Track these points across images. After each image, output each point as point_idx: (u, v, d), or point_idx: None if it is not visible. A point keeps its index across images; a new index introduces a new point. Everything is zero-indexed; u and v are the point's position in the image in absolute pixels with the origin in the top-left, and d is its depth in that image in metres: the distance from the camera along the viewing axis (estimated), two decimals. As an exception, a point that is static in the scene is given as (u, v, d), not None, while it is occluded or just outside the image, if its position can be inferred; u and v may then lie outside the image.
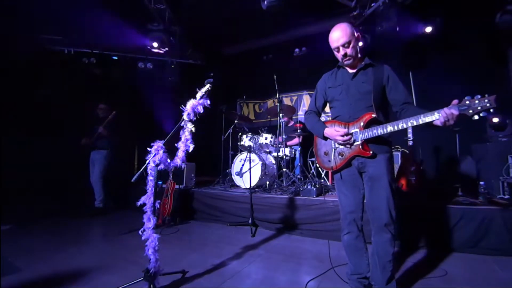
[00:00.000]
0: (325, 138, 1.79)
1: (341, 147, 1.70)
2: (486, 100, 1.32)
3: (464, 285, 1.87)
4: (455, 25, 4.19)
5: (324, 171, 4.33)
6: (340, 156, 1.71)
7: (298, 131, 4.64)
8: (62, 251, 2.63)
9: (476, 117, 1.35)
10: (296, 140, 4.92)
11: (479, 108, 1.33)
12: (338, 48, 1.66)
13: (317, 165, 4.41)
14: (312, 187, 3.24)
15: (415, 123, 1.45)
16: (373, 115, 1.59)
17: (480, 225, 2.41)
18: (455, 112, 1.35)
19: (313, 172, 4.31)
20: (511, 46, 3.87)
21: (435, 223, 2.56)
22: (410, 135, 3.23)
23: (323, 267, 2.14)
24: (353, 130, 1.65)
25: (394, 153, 3.61)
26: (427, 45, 4.46)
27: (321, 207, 3.01)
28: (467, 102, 1.36)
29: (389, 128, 1.53)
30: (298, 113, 5.82)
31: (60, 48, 5.42)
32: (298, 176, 4.28)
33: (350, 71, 1.75)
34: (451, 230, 2.49)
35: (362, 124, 1.61)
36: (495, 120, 3.29)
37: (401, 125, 1.50)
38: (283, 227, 3.19)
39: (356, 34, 1.65)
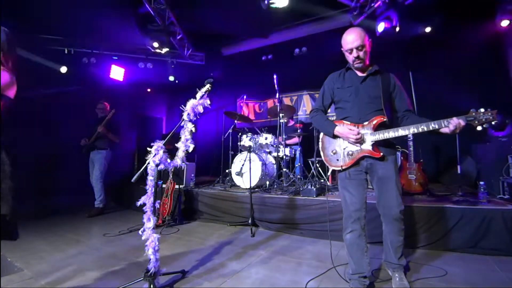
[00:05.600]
0: (334, 137, 1.82)
1: (350, 147, 1.76)
2: (489, 114, 1.49)
3: (464, 285, 1.87)
4: (455, 25, 4.19)
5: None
6: (349, 156, 1.76)
7: (298, 131, 4.64)
8: (62, 251, 2.63)
9: (479, 128, 1.51)
10: (295, 139, 4.92)
11: (483, 120, 1.50)
12: (351, 49, 1.72)
13: (321, 164, 4.41)
14: (312, 187, 3.24)
15: (425, 129, 1.58)
16: (384, 119, 1.70)
17: (480, 225, 2.40)
18: (463, 122, 1.51)
19: (313, 172, 4.31)
20: (511, 46, 3.87)
21: (435, 223, 2.55)
22: (410, 135, 3.23)
23: (323, 267, 2.14)
24: (363, 131, 1.72)
25: (394, 153, 3.60)
26: (427, 45, 4.46)
27: (321, 207, 3.01)
28: (473, 114, 1.52)
29: (401, 132, 1.64)
30: (298, 113, 5.83)
31: (60, 48, 5.43)
32: (298, 176, 4.28)
33: (359, 74, 1.81)
34: (451, 230, 2.48)
35: (373, 126, 1.71)
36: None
37: (412, 129, 1.61)
38: (283, 227, 3.19)
39: (369, 40, 1.73)
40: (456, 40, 4.22)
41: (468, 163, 3.68)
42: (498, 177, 2.96)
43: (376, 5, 4.21)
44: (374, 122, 1.71)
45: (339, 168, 1.79)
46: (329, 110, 2.00)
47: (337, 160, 1.80)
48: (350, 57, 1.76)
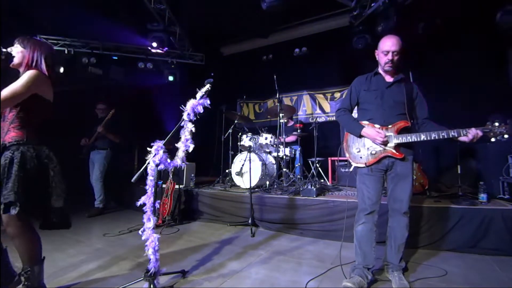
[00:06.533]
0: (360, 137, 1.92)
1: (374, 146, 1.87)
2: (503, 127, 1.65)
3: (464, 285, 1.87)
4: (455, 24, 4.18)
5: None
6: (372, 155, 1.88)
7: (298, 131, 4.64)
8: (62, 251, 2.63)
9: (493, 139, 1.67)
10: (292, 138, 4.92)
11: (498, 132, 1.65)
12: (388, 52, 1.84)
13: (321, 164, 4.41)
14: (312, 187, 3.24)
15: (445, 136, 1.72)
16: (408, 124, 1.84)
17: (480, 225, 2.41)
18: (480, 133, 1.67)
19: (313, 172, 4.31)
20: (511, 46, 3.86)
21: (435, 223, 2.56)
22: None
23: (323, 267, 2.15)
24: (387, 133, 1.85)
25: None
26: (427, 44, 4.46)
27: (321, 207, 3.01)
28: (490, 126, 1.68)
29: (422, 137, 1.77)
30: (298, 113, 5.83)
31: (60, 48, 5.42)
32: (298, 176, 4.28)
33: (387, 79, 1.92)
34: (451, 230, 2.49)
35: (396, 129, 1.84)
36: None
37: (433, 136, 1.74)
38: (283, 227, 3.19)
39: (403, 50, 1.86)
40: (456, 39, 4.22)
41: (468, 163, 3.68)
42: (498, 177, 2.96)
43: (376, 5, 4.20)
44: (398, 125, 1.84)
45: (363, 165, 1.89)
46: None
47: (361, 157, 1.91)
48: (384, 59, 1.86)
